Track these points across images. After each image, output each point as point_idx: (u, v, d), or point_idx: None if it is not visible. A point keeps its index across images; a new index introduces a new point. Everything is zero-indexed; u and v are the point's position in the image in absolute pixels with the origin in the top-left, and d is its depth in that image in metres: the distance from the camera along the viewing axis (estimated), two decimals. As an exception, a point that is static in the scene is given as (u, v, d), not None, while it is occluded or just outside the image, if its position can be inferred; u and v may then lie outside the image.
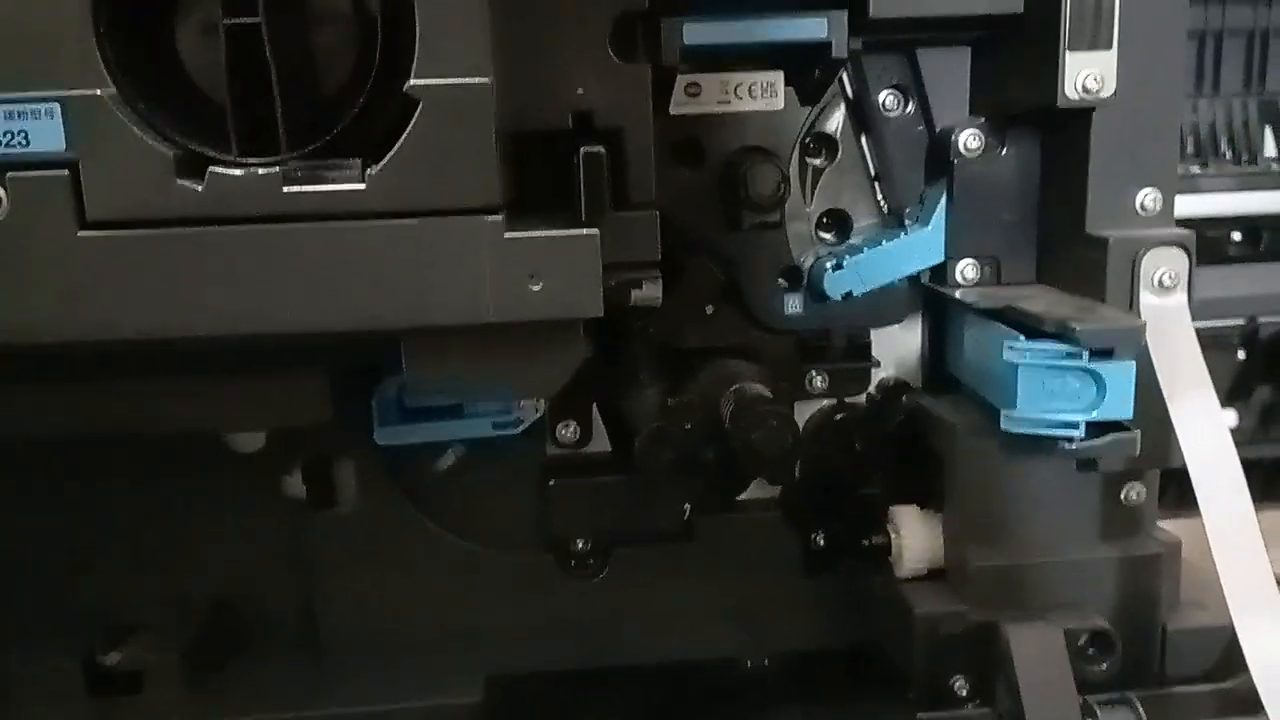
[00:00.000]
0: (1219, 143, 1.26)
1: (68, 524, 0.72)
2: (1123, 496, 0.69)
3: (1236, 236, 1.28)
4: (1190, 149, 1.25)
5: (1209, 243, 1.25)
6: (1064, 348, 0.59)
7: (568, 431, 0.77)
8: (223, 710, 0.72)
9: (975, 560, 0.68)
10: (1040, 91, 0.63)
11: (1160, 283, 0.63)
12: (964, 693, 0.67)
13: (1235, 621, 0.60)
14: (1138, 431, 0.59)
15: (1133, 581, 0.68)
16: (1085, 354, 0.59)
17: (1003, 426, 0.62)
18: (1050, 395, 0.60)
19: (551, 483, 0.75)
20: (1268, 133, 1.26)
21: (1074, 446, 0.60)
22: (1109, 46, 0.61)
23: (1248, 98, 1.25)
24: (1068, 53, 0.61)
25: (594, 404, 0.77)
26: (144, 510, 0.73)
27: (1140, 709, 0.62)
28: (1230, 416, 1.22)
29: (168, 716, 0.71)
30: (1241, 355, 1.25)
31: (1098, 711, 0.62)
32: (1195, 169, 1.24)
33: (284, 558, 0.75)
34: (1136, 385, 0.60)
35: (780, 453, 0.63)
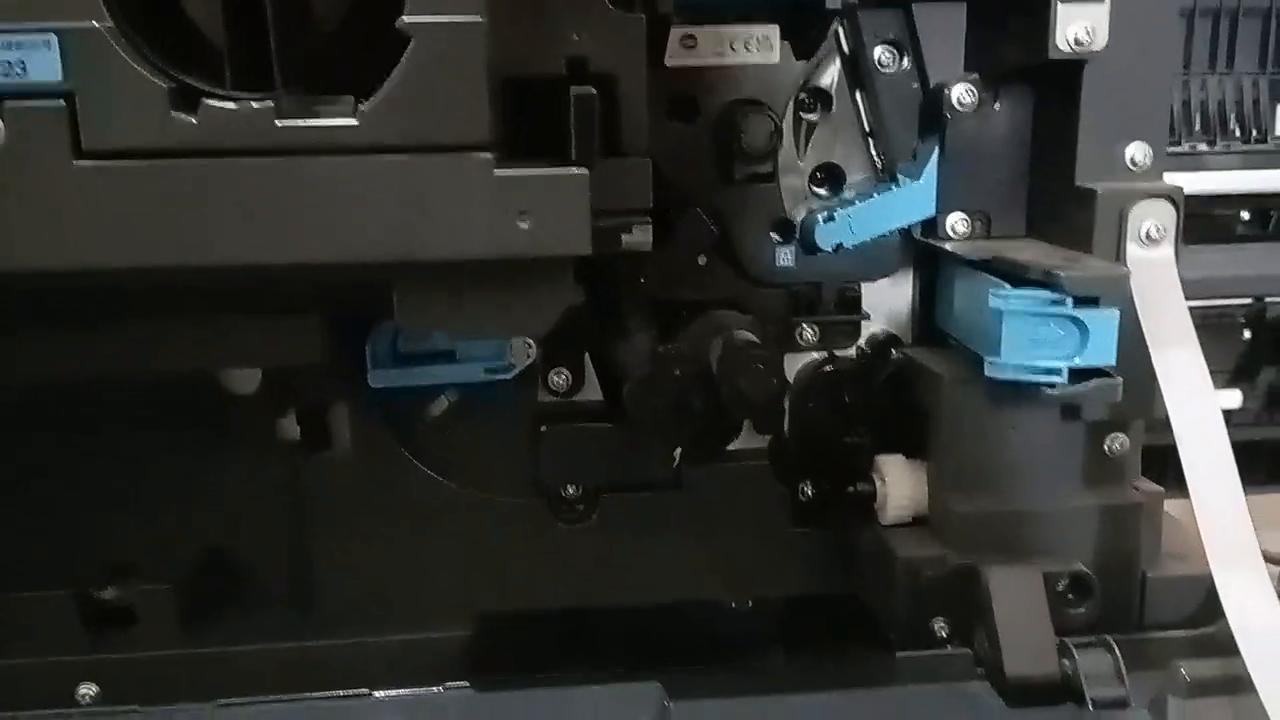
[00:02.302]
0: (1228, 120, 1.24)
1: (65, 465, 0.73)
2: (1106, 447, 0.69)
3: (1245, 215, 1.27)
4: (1198, 126, 1.22)
5: (1217, 221, 1.23)
6: (1049, 295, 0.60)
7: (560, 379, 0.78)
8: (213, 641, 0.73)
9: (958, 507, 0.68)
10: (1032, 46, 0.63)
11: (1148, 235, 0.64)
12: (944, 634, 0.67)
13: (1213, 570, 0.61)
14: (1119, 378, 0.60)
15: (1114, 530, 0.69)
16: (1070, 301, 0.59)
17: (987, 373, 0.63)
18: (1034, 343, 0.61)
19: (543, 429, 0.76)
20: (1279, 111, 1.25)
21: (1056, 392, 0.60)
22: (1101, -1, 0.61)
23: (1260, 76, 1.23)
24: (1059, 4, 0.61)
25: (586, 352, 0.78)
26: (140, 452, 0.74)
27: (1117, 651, 0.63)
28: (1235, 397, 1.20)
29: (160, 647, 0.73)
30: (1247, 335, 1.22)
31: (1075, 653, 0.63)
32: (1203, 146, 1.23)
33: (278, 500, 0.76)
34: (1121, 338, 0.61)
35: (767, 397, 0.64)
